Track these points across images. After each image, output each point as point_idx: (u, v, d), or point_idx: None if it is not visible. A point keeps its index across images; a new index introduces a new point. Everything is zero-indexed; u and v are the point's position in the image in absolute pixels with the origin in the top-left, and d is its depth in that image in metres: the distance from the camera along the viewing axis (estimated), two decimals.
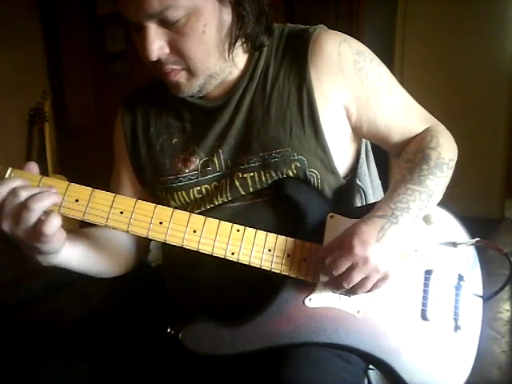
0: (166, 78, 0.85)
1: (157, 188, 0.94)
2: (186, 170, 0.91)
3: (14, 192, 0.69)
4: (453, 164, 0.89)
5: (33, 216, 0.69)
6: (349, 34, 0.91)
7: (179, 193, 0.91)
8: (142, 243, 1.02)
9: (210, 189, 0.90)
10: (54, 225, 0.70)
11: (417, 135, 0.92)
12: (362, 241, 0.75)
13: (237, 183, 0.87)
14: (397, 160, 0.92)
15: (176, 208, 0.90)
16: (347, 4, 3.32)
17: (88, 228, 0.90)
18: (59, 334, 0.91)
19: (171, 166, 0.92)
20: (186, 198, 0.91)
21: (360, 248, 0.74)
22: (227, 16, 0.82)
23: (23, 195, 0.69)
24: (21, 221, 0.69)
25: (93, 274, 0.90)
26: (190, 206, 0.91)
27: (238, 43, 0.85)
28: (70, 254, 0.81)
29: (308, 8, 3.34)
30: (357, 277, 0.75)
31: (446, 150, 0.88)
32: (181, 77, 0.84)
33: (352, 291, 0.78)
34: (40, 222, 0.69)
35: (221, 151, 0.89)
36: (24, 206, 0.68)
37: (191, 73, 0.83)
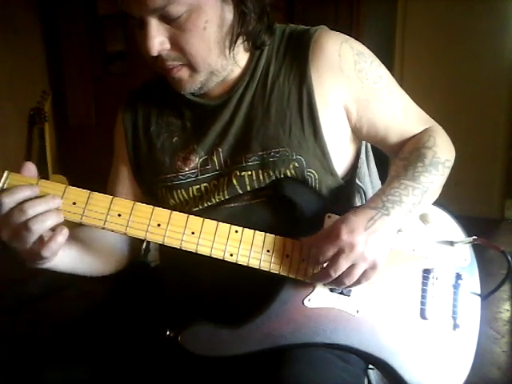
0: (167, 74, 0.85)
1: (157, 186, 0.94)
2: (186, 169, 0.91)
3: (20, 208, 0.69)
4: (449, 164, 0.89)
5: (33, 236, 0.70)
6: (348, 35, 0.91)
7: (179, 191, 0.91)
8: (136, 242, 1.01)
9: (209, 187, 0.90)
10: (52, 249, 0.71)
11: (414, 136, 0.92)
12: (349, 228, 0.75)
13: (234, 181, 0.87)
14: (394, 159, 0.92)
15: (175, 206, 0.90)
16: (347, 4, 3.32)
17: (79, 228, 0.89)
18: (59, 334, 0.91)
19: (171, 165, 0.92)
20: (186, 196, 0.91)
21: (347, 234, 0.74)
22: (229, 13, 0.82)
23: (29, 213, 0.69)
24: (20, 238, 0.70)
25: (81, 274, 0.89)
26: (188, 205, 0.91)
27: (239, 41, 0.86)
28: (62, 260, 0.81)
29: (307, 8, 3.34)
30: (343, 264, 0.74)
31: (442, 150, 0.88)
32: (183, 73, 0.84)
33: (340, 281, 0.77)
34: (40, 242, 0.71)
35: (220, 150, 0.90)
36: (25, 227, 0.69)
37: (193, 69, 0.84)
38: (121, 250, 0.98)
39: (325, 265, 0.77)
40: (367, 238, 0.75)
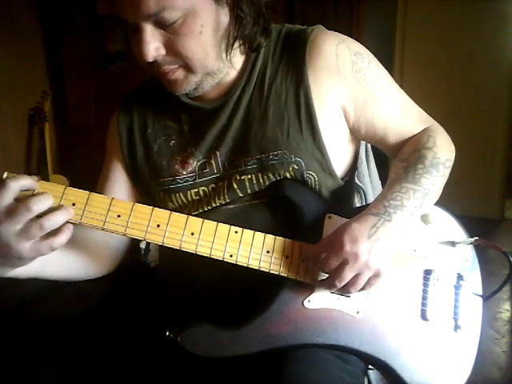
0: (163, 77, 0.85)
1: (154, 189, 0.94)
2: (184, 172, 0.91)
3: (26, 204, 0.69)
4: (450, 164, 0.89)
5: (42, 233, 0.70)
6: (349, 35, 0.91)
7: (177, 194, 0.91)
8: (129, 241, 1.01)
9: (207, 191, 0.90)
10: (63, 240, 0.71)
11: (414, 136, 0.92)
12: (352, 237, 0.75)
13: (234, 185, 0.87)
14: (393, 160, 0.92)
15: (174, 210, 0.90)
16: (347, 5, 3.31)
17: None
18: (59, 334, 0.91)
19: (169, 168, 0.92)
20: (184, 199, 0.91)
21: (350, 245, 0.74)
22: (224, 17, 0.82)
23: (34, 209, 0.69)
24: (28, 235, 0.69)
25: (54, 278, 0.88)
26: (187, 208, 0.91)
27: (236, 44, 0.85)
28: (28, 266, 0.78)
29: (308, 9, 3.33)
30: (348, 274, 0.75)
31: (443, 150, 0.88)
32: (179, 74, 0.84)
33: (345, 290, 0.77)
34: (46, 238, 0.71)
35: (218, 153, 0.89)
36: (37, 225, 0.69)
37: (189, 69, 0.83)
38: (112, 248, 0.98)
39: (329, 273, 0.77)
40: (371, 247, 0.75)
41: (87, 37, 3.63)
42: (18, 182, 0.70)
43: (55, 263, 0.87)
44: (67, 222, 0.73)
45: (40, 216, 0.70)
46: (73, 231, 0.87)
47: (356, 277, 0.75)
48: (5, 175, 0.72)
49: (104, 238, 0.95)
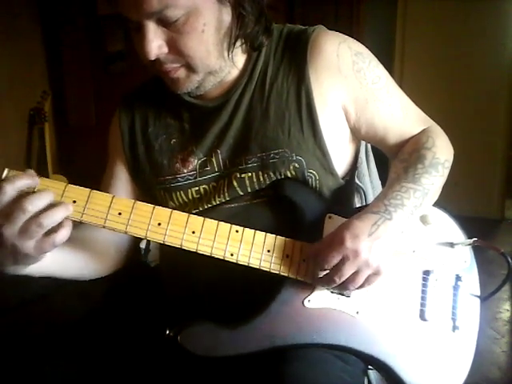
0: (165, 75, 0.85)
1: (155, 188, 0.94)
2: (185, 170, 0.91)
3: (20, 205, 0.68)
4: (448, 164, 0.89)
5: (42, 231, 0.70)
6: (349, 35, 0.91)
7: (177, 193, 0.91)
8: (133, 240, 1.01)
9: (208, 189, 0.90)
10: (64, 236, 0.71)
11: (413, 136, 0.92)
12: (353, 234, 0.75)
13: (235, 183, 0.87)
14: (393, 160, 0.92)
15: (174, 208, 0.90)
16: (347, 5, 3.32)
17: None
18: (59, 333, 0.92)
19: (169, 166, 0.92)
20: (185, 198, 0.91)
21: (351, 241, 0.74)
22: (227, 16, 0.82)
23: (29, 209, 0.68)
24: (29, 234, 0.69)
25: (61, 277, 0.89)
26: (188, 206, 0.91)
27: (238, 43, 0.86)
28: (42, 264, 0.78)
29: (308, 9, 3.33)
30: (347, 270, 0.75)
31: (442, 151, 0.88)
32: (181, 73, 0.84)
33: (344, 286, 0.77)
34: (48, 234, 0.70)
35: (219, 151, 0.90)
36: (36, 223, 0.69)
37: (191, 69, 0.83)
38: (115, 248, 0.98)
39: (328, 269, 0.77)
40: (371, 245, 0.75)
41: (87, 37, 3.64)
42: (14, 185, 0.69)
43: (65, 262, 0.87)
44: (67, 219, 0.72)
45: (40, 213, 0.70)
46: (81, 230, 0.88)
47: (355, 274, 0.75)
48: (5, 173, 0.72)
49: (111, 236, 0.95)
